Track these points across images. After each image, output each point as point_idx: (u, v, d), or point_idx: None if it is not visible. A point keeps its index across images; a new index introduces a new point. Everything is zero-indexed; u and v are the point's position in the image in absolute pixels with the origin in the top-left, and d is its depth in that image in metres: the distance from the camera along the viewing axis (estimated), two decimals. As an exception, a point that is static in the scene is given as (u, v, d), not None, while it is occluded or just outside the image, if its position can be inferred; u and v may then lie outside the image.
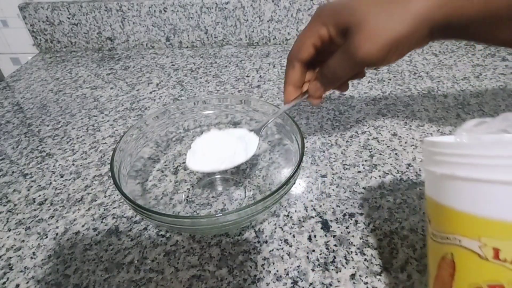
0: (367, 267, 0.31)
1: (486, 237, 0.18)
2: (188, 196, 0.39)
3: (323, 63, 0.33)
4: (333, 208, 0.37)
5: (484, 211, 0.18)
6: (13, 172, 0.45)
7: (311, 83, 0.35)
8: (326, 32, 0.31)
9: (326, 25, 0.31)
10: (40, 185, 0.43)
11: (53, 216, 0.39)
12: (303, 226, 0.35)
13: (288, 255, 0.33)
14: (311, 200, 0.38)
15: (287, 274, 0.31)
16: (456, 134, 0.21)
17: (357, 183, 0.40)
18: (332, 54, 0.32)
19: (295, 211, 0.37)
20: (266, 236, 0.34)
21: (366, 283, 0.30)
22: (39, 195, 0.41)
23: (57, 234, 0.37)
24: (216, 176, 0.41)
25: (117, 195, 0.40)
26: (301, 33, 0.33)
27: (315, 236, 0.35)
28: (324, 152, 0.45)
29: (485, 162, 0.18)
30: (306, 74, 0.36)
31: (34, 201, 0.41)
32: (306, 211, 0.37)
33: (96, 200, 0.40)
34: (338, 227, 0.35)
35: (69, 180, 0.43)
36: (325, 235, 0.34)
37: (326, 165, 0.43)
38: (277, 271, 0.31)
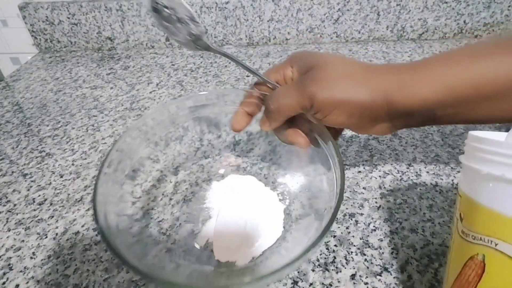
0: (367, 267, 0.31)
1: None
2: (186, 196, 0.39)
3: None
4: (333, 208, 0.37)
5: None
6: (13, 172, 0.45)
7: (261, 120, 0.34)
8: (290, 72, 0.32)
9: (292, 66, 0.32)
10: (40, 185, 0.43)
11: (52, 216, 0.39)
12: (303, 226, 0.35)
13: (288, 255, 0.33)
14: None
15: (287, 274, 0.31)
16: (509, 134, 0.20)
17: (357, 183, 0.40)
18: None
19: (294, 210, 0.37)
20: (266, 236, 0.34)
21: (366, 283, 0.30)
22: (39, 195, 0.41)
23: (56, 234, 0.37)
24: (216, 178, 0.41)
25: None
26: (271, 67, 0.34)
27: (315, 236, 0.34)
28: (324, 152, 0.45)
29: None
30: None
31: (34, 201, 0.41)
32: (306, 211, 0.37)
33: (96, 200, 0.40)
34: (338, 227, 0.35)
35: (69, 180, 0.43)
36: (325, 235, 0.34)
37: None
38: (277, 271, 0.31)
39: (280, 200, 0.37)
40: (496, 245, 0.19)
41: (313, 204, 0.34)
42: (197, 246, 0.33)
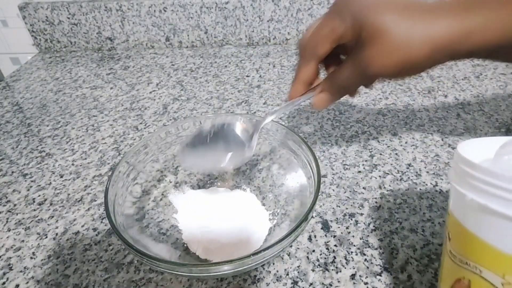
0: (367, 267, 0.31)
1: (509, 275, 0.17)
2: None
3: (331, 73, 0.32)
4: (333, 208, 0.37)
5: (509, 248, 0.17)
6: (12, 172, 0.45)
7: (316, 96, 0.33)
8: (344, 30, 0.29)
9: (345, 23, 0.28)
10: (39, 185, 0.43)
11: (52, 216, 0.39)
12: (303, 226, 0.35)
13: (288, 255, 0.33)
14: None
15: (287, 274, 0.31)
16: (496, 155, 0.19)
17: (357, 183, 0.40)
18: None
19: (293, 209, 0.37)
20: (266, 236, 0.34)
21: (366, 283, 0.30)
22: (39, 195, 0.41)
23: (56, 234, 0.37)
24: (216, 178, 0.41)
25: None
26: (318, 26, 0.30)
27: (315, 236, 0.34)
28: (324, 152, 0.45)
29: None
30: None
31: (34, 201, 0.41)
32: (306, 211, 0.37)
33: (96, 200, 0.40)
34: (338, 227, 0.35)
35: (69, 180, 0.43)
36: (325, 235, 0.34)
37: (326, 165, 0.43)
38: (277, 271, 0.31)
39: (270, 214, 0.36)
40: (480, 272, 0.19)
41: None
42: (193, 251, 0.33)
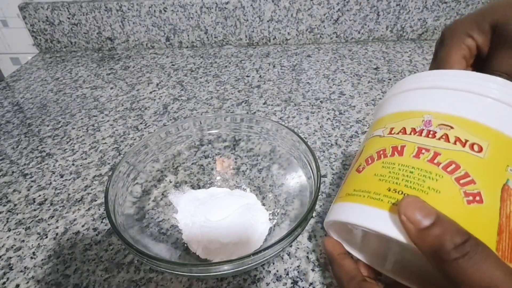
0: (367, 267, 0.31)
1: (389, 123, 0.24)
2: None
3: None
4: (333, 208, 0.37)
5: (391, 110, 0.25)
6: (13, 172, 0.45)
7: None
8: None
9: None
10: (40, 185, 0.43)
11: (53, 216, 0.39)
12: (303, 226, 0.35)
13: (288, 255, 0.33)
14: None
15: (287, 274, 0.31)
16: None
17: (357, 183, 0.40)
18: None
19: (293, 209, 0.37)
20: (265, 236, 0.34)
21: (366, 283, 0.30)
22: (39, 195, 0.41)
23: (57, 234, 0.37)
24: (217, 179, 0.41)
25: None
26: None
27: (315, 236, 0.34)
28: (324, 152, 0.45)
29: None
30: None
31: (34, 201, 0.41)
32: (306, 211, 0.37)
33: (96, 200, 0.40)
34: (338, 227, 0.35)
35: (69, 180, 0.43)
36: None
37: (326, 165, 0.43)
38: (277, 271, 0.31)
39: (270, 214, 0.36)
40: (373, 134, 0.26)
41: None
42: (193, 251, 0.33)
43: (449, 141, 0.20)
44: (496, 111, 0.21)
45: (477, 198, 0.19)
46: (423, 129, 0.22)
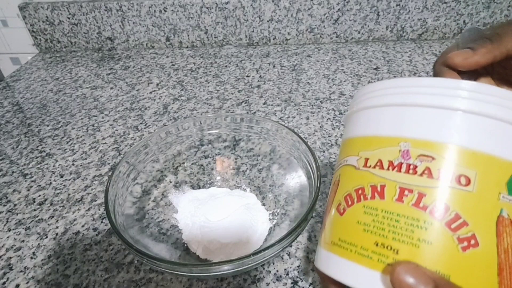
0: (367, 267, 0.31)
1: (362, 151, 0.22)
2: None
3: None
4: (333, 208, 0.37)
5: (363, 132, 0.22)
6: (13, 172, 0.45)
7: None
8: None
9: None
10: (40, 185, 0.43)
11: (53, 216, 0.39)
12: (303, 226, 0.35)
13: (288, 255, 0.33)
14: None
15: (287, 274, 0.31)
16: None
17: (357, 183, 0.40)
18: None
19: (293, 209, 0.37)
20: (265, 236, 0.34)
21: (366, 283, 0.30)
22: (39, 195, 0.41)
23: (57, 234, 0.37)
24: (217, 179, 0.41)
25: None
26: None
27: (315, 236, 0.34)
28: (324, 152, 0.45)
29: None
30: None
31: (34, 201, 0.41)
32: (306, 211, 0.37)
33: (96, 200, 0.40)
34: (338, 227, 0.35)
35: (69, 180, 0.43)
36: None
37: (326, 165, 0.43)
38: (277, 271, 0.31)
39: (270, 214, 0.36)
40: (346, 161, 0.23)
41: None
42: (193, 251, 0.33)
43: (432, 177, 0.18)
44: (480, 130, 0.18)
45: (472, 241, 0.17)
46: (401, 163, 0.19)
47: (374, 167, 0.20)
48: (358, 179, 0.21)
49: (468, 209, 0.18)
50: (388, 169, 0.20)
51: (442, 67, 0.26)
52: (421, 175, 0.18)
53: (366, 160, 0.21)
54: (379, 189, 0.20)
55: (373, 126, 0.22)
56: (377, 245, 0.19)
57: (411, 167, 0.19)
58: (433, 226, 0.18)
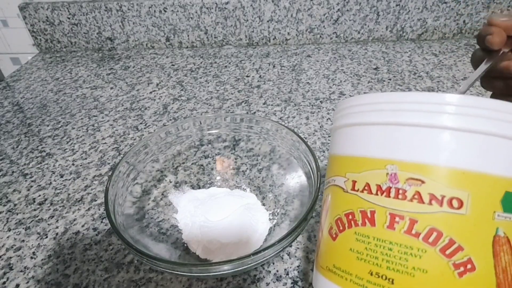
0: (367, 267, 0.31)
1: (349, 172, 0.21)
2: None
3: None
4: (333, 208, 0.37)
5: (349, 151, 0.22)
6: (13, 172, 0.45)
7: None
8: None
9: None
10: (40, 185, 0.43)
11: (53, 216, 0.39)
12: (303, 226, 0.35)
13: (288, 255, 0.33)
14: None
15: (287, 274, 0.31)
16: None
17: (357, 183, 0.40)
18: None
19: (293, 209, 0.37)
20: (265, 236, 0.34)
21: (366, 283, 0.30)
22: (39, 195, 0.42)
23: (57, 234, 0.37)
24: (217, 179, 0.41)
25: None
26: None
27: (315, 236, 0.35)
28: (324, 152, 0.45)
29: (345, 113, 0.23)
30: None
31: (34, 201, 0.41)
32: (306, 211, 0.37)
33: (96, 200, 0.40)
34: (338, 227, 0.35)
35: (69, 180, 0.43)
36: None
37: (326, 165, 0.43)
38: (277, 271, 0.32)
39: (270, 214, 0.36)
40: (334, 181, 0.22)
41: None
42: (193, 250, 0.33)
43: (423, 202, 0.17)
44: (469, 147, 0.17)
45: (469, 266, 0.17)
46: (390, 187, 0.18)
47: (362, 191, 0.20)
48: (347, 203, 0.21)
49: (463, 233, 0.17)
50: (376, 193, 0.19)
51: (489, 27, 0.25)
52: (411, 200, 0.18)
53: (354, 182, 0.20)
54: (369, 215, 0.19)
55: (359, 145, 0.21)
56: (371, 274, 0.19)
57: (400, 191, 0.18)
58: (427, 253, 0.17)
